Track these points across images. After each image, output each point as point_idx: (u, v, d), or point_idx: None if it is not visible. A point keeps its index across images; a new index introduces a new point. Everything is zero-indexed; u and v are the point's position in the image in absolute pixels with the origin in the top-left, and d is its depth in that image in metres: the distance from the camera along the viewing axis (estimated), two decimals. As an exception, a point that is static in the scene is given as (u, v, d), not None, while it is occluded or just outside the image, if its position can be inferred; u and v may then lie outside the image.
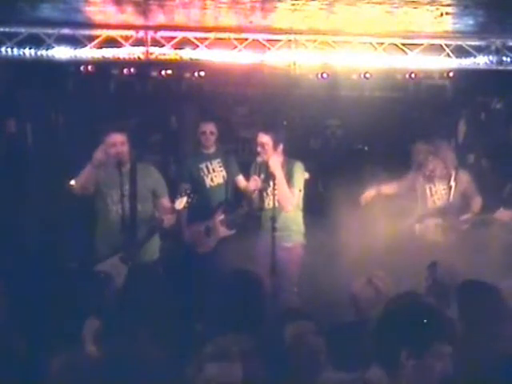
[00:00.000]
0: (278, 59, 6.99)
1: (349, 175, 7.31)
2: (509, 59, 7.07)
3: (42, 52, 6.54)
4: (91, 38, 6.62)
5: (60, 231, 7.22)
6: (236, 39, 6.83)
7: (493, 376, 3.00)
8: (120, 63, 7.14)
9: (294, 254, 5.90)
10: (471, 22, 6.29)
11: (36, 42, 6.53)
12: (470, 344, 3.29)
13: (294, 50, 6.95)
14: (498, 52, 7.07)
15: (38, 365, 3.28)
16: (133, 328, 3.48)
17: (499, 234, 5.76)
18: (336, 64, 7.13)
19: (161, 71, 7.66)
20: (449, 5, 5.47)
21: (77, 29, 6.60)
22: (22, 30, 6.47)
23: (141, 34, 6.68)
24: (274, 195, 5.68)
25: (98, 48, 6.63)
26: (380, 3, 5.45)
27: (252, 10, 5.92)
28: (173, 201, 5.50)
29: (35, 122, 8.04)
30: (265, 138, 5.80)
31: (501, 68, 7.12)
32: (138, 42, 6.71)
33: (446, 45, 7.08)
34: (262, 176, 5.94)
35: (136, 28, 6.64)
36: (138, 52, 6.72)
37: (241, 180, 6.50)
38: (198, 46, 6.82)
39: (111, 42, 6.67)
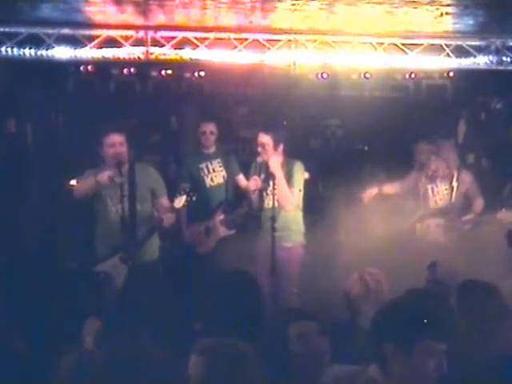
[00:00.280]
0: (278, 59, 6.98)
1: (349, 175, 7.31)
2: (509, 59, 7.06)
3: (42, 52, 6.53)
4: (91, 38, 6.61)
5: (60, 231, 7.22)
6: (236, 39, 6.82)
7: (493, 376, 3.00)
8: (120, 63, 7.15)
9: (293, 253, 5.90)
10: (471, 22, 6.29)
11: (36, 42, 6.53)
12: (470, 344, 3.29)
13: (294, 50, 6.95)
14: (497, 52, 7.06)
15: (38, 365, 3.27)
16: (133, 328, 3.48)
17: (500, 235, 5.76)
18: (336, 64, 7.13)
19: (161, 71, 7.67)
20: (449, 5, 5.48)
21: (77, 29, 6.59)
22: (22, 30, 6.46)
23: (141, 34, 6.67)
24: (273, 195, 5.68)
25: (98, 48, 6.63)
26: (380, 3, 5.46)
27: (252, 10, 5.92)
28: (172, 200, 5.50)
29: (35, 122, 8.04)
30: (265, 138, 5.81)
31: (501, 68, 7.12)
32: (138, 42, 6.71)
33: (446, 45, 7.07)
34: (262, 176, 5.94)
35: (136, 28, 6.64)
36: (138, 52, 6.71)
37: (241, 180, 6.50)
38: (197, 46, 6.81)
39: (111, 42, 6.67)
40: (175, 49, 6.79)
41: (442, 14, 5.80)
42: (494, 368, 3.02)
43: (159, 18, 6.29)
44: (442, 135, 7.37)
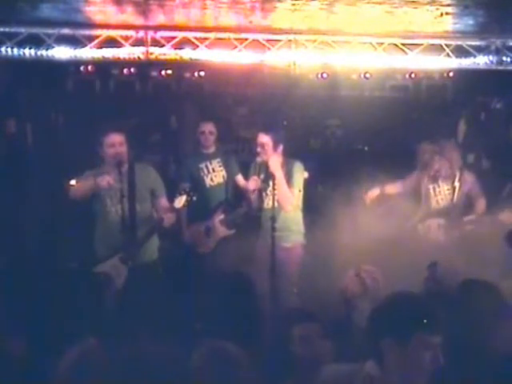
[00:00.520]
0: (278, 59, 6.99)
1: (348, 175, 7.30)
2: (509, 59, 7.07)
3: (42, 52, 6.54)
4: (91, 38, 6.62)
5: (60, 231, 7.21)
6: (236, 39, 6.83)
7: (492, 376, 3.00)
8: (120, 63, 7.17)
9: (293, 254, 5.89)
10: (471, 22, 6.29)
11: (36, 41, 6.53)
12: (469, 344, 3.28)
13: (294, 50, 6.95)
14: (498, 52, 7.07)
15: (38, 365, 3.27)
16: (133, 328, 3.48)
17: (501, 235, 5.75)
18: (336, 64, 7.13)
19: (161, 71, 7.69)
20: (449, 5, 5.48)
21: (77, 29, 6.59)
22: (22, 29, 6.47)
23: (141, 34, 6.68)
24: (273, 195, 5.67)
25: (98, 48, 6.63)
26: (380, 3, 5.46)
27: (252, 10, 5.92)
28: (172, 200, 5.49)
29: (35, 122, 8.05)
30: (265, 138, 5.80)
31: (501, 68, 7.12)
32: (138, 42, 6.71)
33: (446, 45, 7.08)
34: (262, 176, 5.94)
35: (136, 28, 6.64)
36: (138, 52, 6.71)
37: (240, 180, 6.50)
38: (197, 46, 6.82)
39: (111, 42, 6.67)
40: (175, 49, 6.79)
41: (441, 14, 5.80)
42: (494, 368, 3.03)
43: (159, 18, 6.29)
44: (442, 135, 7.38)
